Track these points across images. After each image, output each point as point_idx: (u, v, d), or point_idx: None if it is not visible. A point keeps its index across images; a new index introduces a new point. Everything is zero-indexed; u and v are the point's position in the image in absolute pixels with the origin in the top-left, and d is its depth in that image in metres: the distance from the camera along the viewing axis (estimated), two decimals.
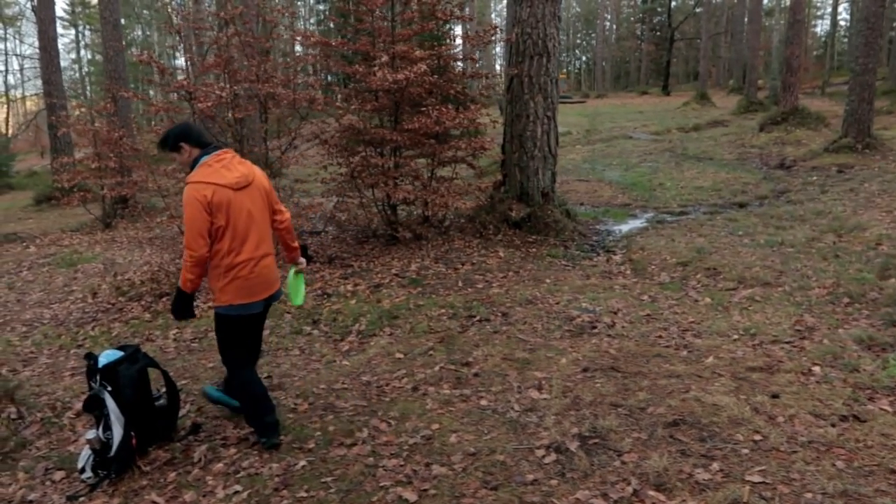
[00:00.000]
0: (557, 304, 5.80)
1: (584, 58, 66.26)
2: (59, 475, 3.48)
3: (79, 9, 45.94)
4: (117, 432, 3.38)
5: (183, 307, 3.57)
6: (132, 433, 3.45)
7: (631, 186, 12.02)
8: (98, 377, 3.48)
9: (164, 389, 3.84)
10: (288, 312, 5.98)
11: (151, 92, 25.61)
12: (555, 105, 8.43)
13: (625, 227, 8.96)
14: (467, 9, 24.30)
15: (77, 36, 41.65)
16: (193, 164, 3.43)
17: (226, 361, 3.70)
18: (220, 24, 7.77)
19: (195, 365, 4.92)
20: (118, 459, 3.37)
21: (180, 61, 48.46)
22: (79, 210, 12.90)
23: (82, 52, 42.17)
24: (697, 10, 45.21)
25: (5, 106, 40.77)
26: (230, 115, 7.07)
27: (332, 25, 25.44)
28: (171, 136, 3.51)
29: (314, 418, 3.86)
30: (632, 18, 61.25)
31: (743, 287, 5.92)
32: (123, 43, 15.33)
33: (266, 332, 5.54)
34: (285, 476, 3.26)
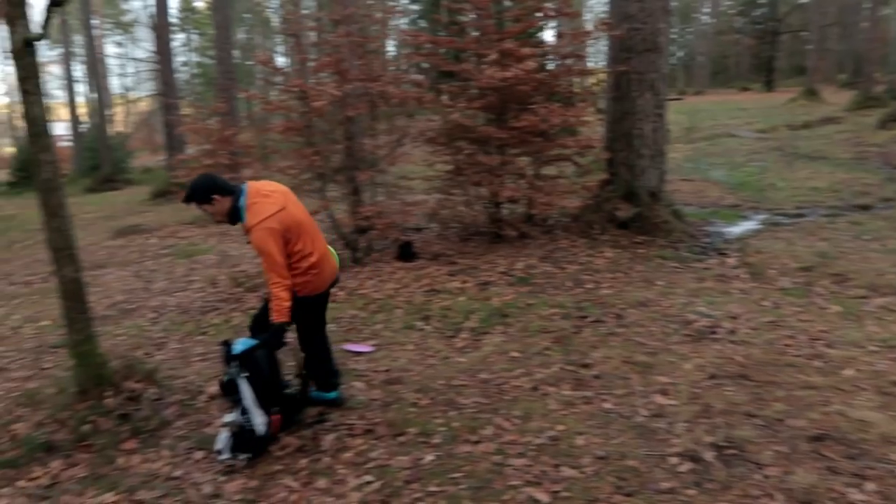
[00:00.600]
0: (672, 307, 5.62)
1: (680, 53, 64.21)
2: (199, 455, 3.66)
3: (188, 14, 48.36)
4: (257, 416, 3.52)
5: (282, 338, 3.68)
6: (273, 416, 3.60)
7: (739, 186, 11.51)
8: (235, 363, 3.62)
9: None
10: (398, 308, 6.07)
11: (255, 91, 26.67)
12: (664, 102, 8.19)
13: (736, 229, 8.59)
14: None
15: (187, 40, 43.85)
16: (232, 212, 3.59)
17: (311, 343, 4.04)
18: (330, 25, 7.97)
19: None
20: (258, 442, 3.51)
21: (281, 61, 50.15)
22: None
23: (191, 55, 44.36)
24: (804, 0, 42.91)
25: (123, 107, 43.49)
26: (342, 113, 7.25)
27: (424, 24, 25.67)
28: (200, 190, 3.61)
29: (436, 413, 3.90)
30: (731, 11, 58.79)
31: (876, 295, 5.55)
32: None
33: (379, 327, 5.66)
34: (415, 469, 3.31)
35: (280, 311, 3.49)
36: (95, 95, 24.01)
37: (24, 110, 3.77)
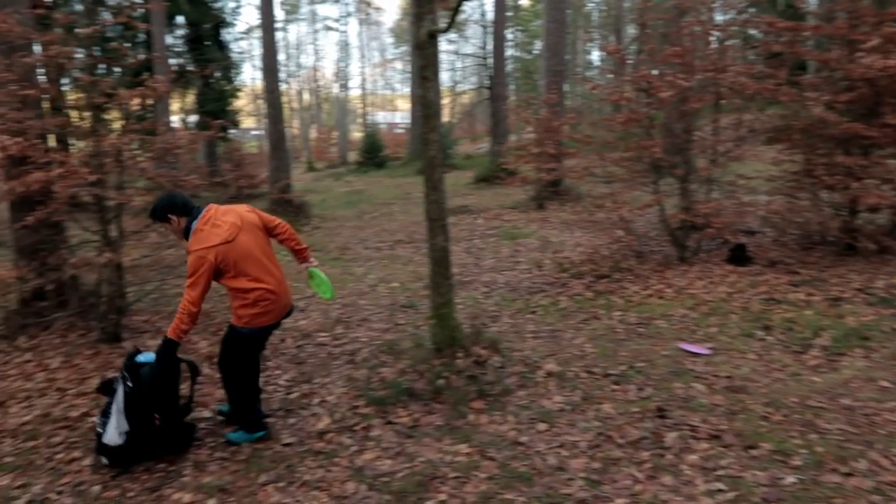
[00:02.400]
0: None
1: None
2: (542, 426, 3.83)
3: (513, 11, 50.97)
4: (114, 425, 3.56)
5: (171, 356, 3.65)
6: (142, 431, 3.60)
7: None
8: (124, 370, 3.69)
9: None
10: (733, 313, 5.69)
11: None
12: None
13: None
14: None
15: (513, 36, 46.32)
16: (186, 232, 3.64)
17: (242, 378, 3.91)
18: (678, 13, 7.69)
19: (648, 350, 4.97)
20: (109, 450, 3.59)
21: (594, 55, 50.39)
22: (510, 190, 14.31)
23: (513, 51, 46.76)
24: None
25: (450, 98, 47.56)
26: (685, 105, 6.97)
27: (753, 10, 23.54)
28: (158, 209, 3.70)
29: (793, 433, 3.56)
30: None
31: None
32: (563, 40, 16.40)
33: (713, 330, 5.37)
34: (774, 489, 3.06)
35: (176, 329, 3.51)
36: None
37: (421, 94, 4.27)
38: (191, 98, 20.97)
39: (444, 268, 4.52)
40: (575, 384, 4.37)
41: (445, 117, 43.49)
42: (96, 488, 3.48)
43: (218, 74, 19.76)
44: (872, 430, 3.56)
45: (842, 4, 7.43)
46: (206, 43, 19.36)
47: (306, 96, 51.55)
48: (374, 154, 27.83)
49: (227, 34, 20.71)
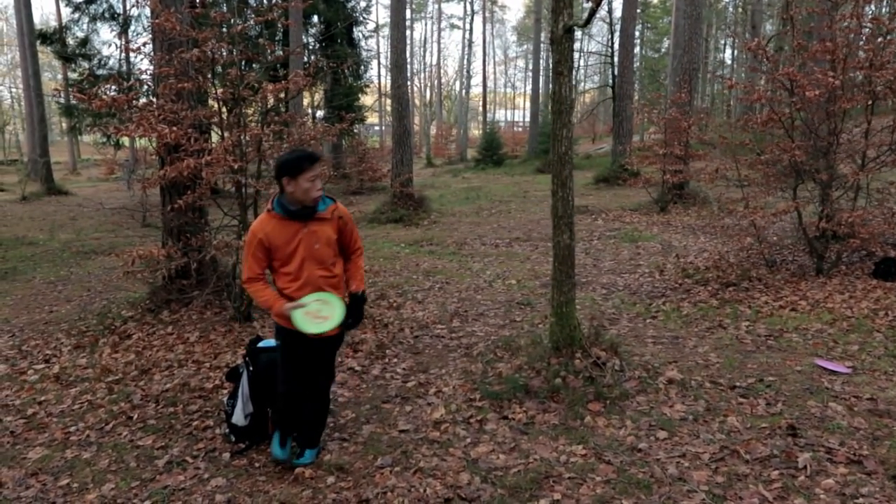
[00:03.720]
0: None
1: None
2: (662, 434, 3.70)
3: (643, 8, 49.46)
4: (240, 407, 3.78)
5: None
6: (265, 412, 3.79)
7: None
8: (246, 356, 3.93)
9: None
10: (878, 331, 5.25)
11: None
12: None
13: None
14: None
15: (641, 34, 45.00)
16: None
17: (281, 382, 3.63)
18: (833, 5, 7.16)
19: (779, 364, 4.69)
20: (236, 430, 3.82)
21: (727, 53, 48.04)
22: (631, 191, 13.94)
23: (642, 49, 45.44)
24: None
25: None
26: (833, 105, 6.50)
27: None
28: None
29: None
30: None
31: None
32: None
33: (854, 348, 4.98)
34: None
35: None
36: (552, 86, 26.36)
37: (554, 90, 4.24)
38: (320, 93, 21.90)
39: (568, 266, 4.46)
40: (698, 393, 4.19)
41: None
42: (226, 455, 3.72)
43: (348, 71, 20.52)
44: None
45: None
46: (338, 41, 20.14)
47: (428, 93, 52.47)
48: (492, 151, 27.93)
49: (357, 32, 21.46)
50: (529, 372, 4.45)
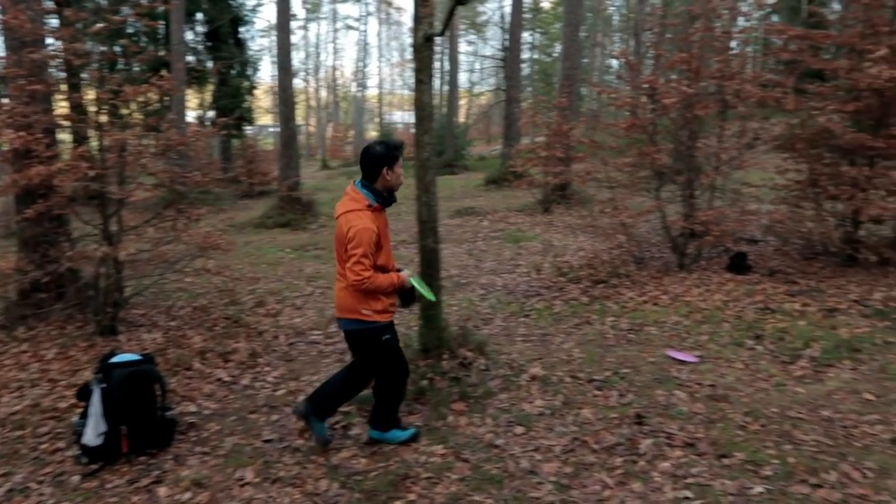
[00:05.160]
0: None
1: None
2: (519, 430, 3.85)
3: (533, 14, 50.91)
4: (91, 425, 3.65)
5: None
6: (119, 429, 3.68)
7: None
8: (97, 374, 3.80)
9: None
10: (726, 321, 5.67)
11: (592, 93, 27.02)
12: None
13: None
14: None
15: (532, 38, 46.24)
16: None
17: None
18: (689, 20, 7.67)
19: (635, 356, 4.98)
20: (91, 451, 3.68)
21: (614, 61, 50.13)
22: (520, 192, 14.30)
23: (532, 53, 46.66)
24: None
25: (466, 100, 47.59)
26: (689, 111, 6.96)
27: (776, 18, 23.35)
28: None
29: (768, 443, 3.55)
30: None
31: None
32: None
33: (704, 338, 5.35)
34: (740, 497, 3.06)
35: None
36: (448, 89, 26.66)
37: (416, 97, 4.32)
38: (208, 95, 21.19)
39: (434, 269, 4.56)
40: (557, 388, 4.39)
41: (461, 118, 43.53)
42: (75, 479, 3.55)
43: (234, 71, 19.97)
44: (848, 443, 3.55)
45: (856, 13, 7.38)
46: (225, 40, 19.55)
47: (324, 94, 51.85)
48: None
49: (245, 31, 20.92)
50: None
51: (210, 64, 19.64)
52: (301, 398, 4.47)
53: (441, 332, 4.58)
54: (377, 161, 3.47)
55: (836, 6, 7.48)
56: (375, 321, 3.53)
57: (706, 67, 7.34)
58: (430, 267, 4.51)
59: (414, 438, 3.79)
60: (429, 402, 4.19)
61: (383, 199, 3.53)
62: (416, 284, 3.69)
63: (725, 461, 3.39)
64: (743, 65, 7.33)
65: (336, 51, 57.70)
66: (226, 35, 19.50)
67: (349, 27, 51.36)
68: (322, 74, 51.82)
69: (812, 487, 3.12)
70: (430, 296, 3.81)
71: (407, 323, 6.11)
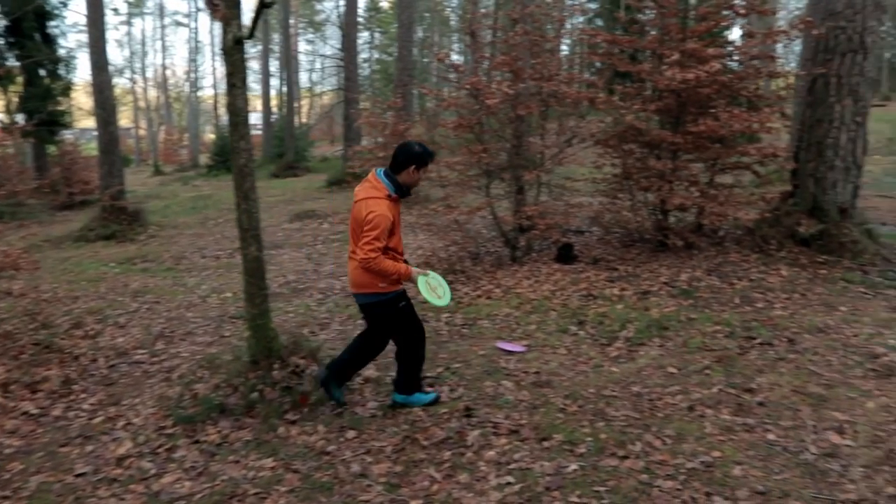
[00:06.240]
0: (856, 336, 5.07)
1: (887, 55, 57.58)
2: (351, 434, 3.85)
3: (373, 14, 50.96)
4: None
5: None
6: None
7: None
8: None
9: None
10: (553, 310, 6.01)
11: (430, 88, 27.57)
12: (866, 109, 7.38)
13: None
14: None
15: (370, 38, 46.22)
16: None
17: None
18: (507, 23, 8.02)
19: (467, 350, 5.14)
20: None
21: (454, 59, 51.33)
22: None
23: (372, 52, 46.69)
24: None
25: (308, 100, 46.72)
26: (512, 111, 7.28)
27: (600, 23, 25.10)
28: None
29: (584, 422, 3.81)
30: None
31: None
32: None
33: (532, 328, 5.64)
34: (557, 477, 3.26)
35: None
36: (286, 89, 26.03)
37: (229, 101, 4.16)
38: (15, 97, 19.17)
39: (258, 278, 4.43)
40: (391, 389, 4.43)
41: (303, 118, 42.71)
42: None
43: (45, 71, 18.25)
44: (652, 414, 3.89)
45: (655, 20, 8.07)
46: (29, 36, 17.77)
47: (153, 93, 48.79)
48: (225, 157, 26.72)
49: (54, 27, 19.14)
50: (227, 389, 4.34)
51: (14, 62, 17.79)
52: (120, 425, 4.20)
53: (270, 342, 4.47)
54: (410, 158, 3.83)
55: (651, 13, 8.13)
56: (390, 292, 3.88)
57: (526, 69, 7.72)
58: (254, 276, 4.38)
59: (435, 402, 4.17)
60: (259, 414, 4.07)
61: (402, 191, 3.87)
62: (421, 288, 3.85)
63: (546, 444, 3.60)
64: (559, 66, 7.78)
65: (165, 48, 54.35)
66: (30, 30, 17.74)
67: (178, 23, 48.70)
68: (151, 74, 48.76)
69: (620, 459, 3.39)
70: (439, 302, 3.93)
71: (241, 334, 5.91)
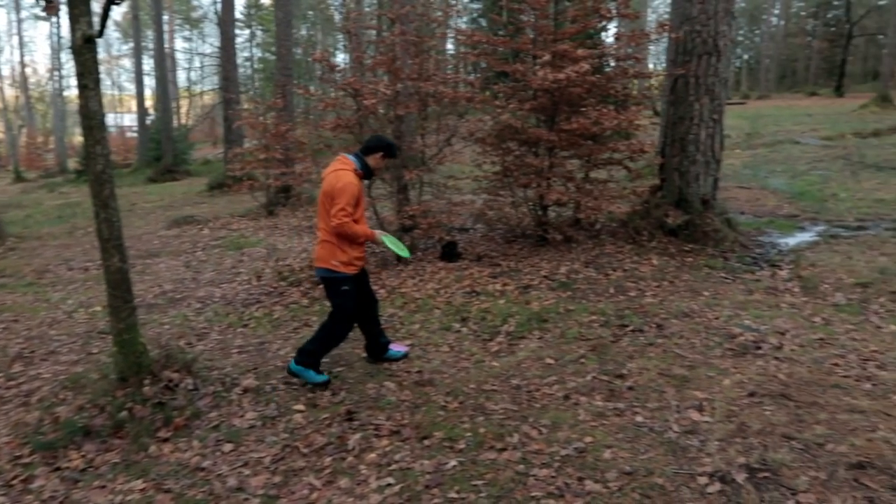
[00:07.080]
0: (717, 319, 5.45)
1: (745, 56, 62.09)
2: (227, 447, 3.72)
3: (253, 11, 49.47)
4: None
5: None
6: None
7: (798, 196, 11.08)
8: None
9: None
10: (437, 308, 6.06)
11: (312, 87, 27.08)
12: (722, 107, 7.94)
13: (791, 241, 8.27)
14: None
15: (251, 36, 44.86)
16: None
17: None
18: (387, 23, 8.01)
19: (350, 353, 5.09)
20: None
21: (339, 58, 50.82)
22: (245, 197, 13.86)
23: (254, 51, 45.36)
24: (882, 2, 40.99)
25: (187, 100, 44.73)
26: (392, 111, 7.28)
27: (484, 23, 25.60)
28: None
29: (464, 418, 3.87)
30: (803, 13, 56.63)
31: None
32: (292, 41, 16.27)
33: (416, 327, 5.66)
34: (436, 474, 3.29)
35: None
36: (162, 88, 24.77)
37: (81, 104, 3.91)
38: None
39: (123, 290, 4.20)
40: (270, 397, 4.32)
41: (182, 119, 40.87)
42: None
43: None
44: (530, 405, 4.01)
45: (528, 22, 8.30)
46: None
47: (11, 93, 45.15)
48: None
49: None
50: (93, 410, 4.08)
51: None
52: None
53: (139, 357, 4.24)
54: (381, 145, 4.50)
55: (530, 16, 8.37)
56: (340, 272, 4.34)
57: (405, 70, 7.74)
58: (118, 288, 4.14)
59: (325, 385, 4.43)
60: (128, 434, 3.85)
61: (367, 170, 4.46)
62: (387, 242, 4.55)
63: (426, 442, 3.62)
64: (437, 66, 7.86)
65: (24, 44, 50.31)
66: None
67: (37, 17, 45.30)
68: (8, 72, 45.04)
69: (498, 452, 3.47)
70: (403, 253, 4.65)
71: (110, 350, 5.57)
